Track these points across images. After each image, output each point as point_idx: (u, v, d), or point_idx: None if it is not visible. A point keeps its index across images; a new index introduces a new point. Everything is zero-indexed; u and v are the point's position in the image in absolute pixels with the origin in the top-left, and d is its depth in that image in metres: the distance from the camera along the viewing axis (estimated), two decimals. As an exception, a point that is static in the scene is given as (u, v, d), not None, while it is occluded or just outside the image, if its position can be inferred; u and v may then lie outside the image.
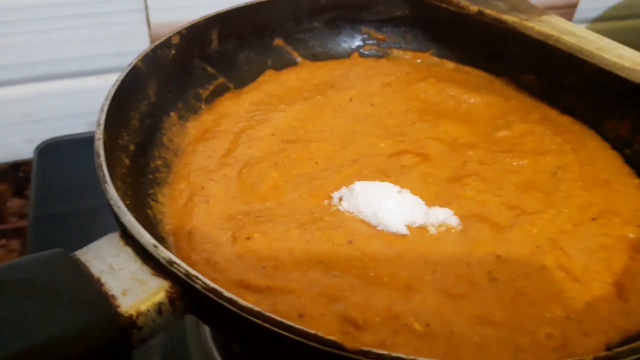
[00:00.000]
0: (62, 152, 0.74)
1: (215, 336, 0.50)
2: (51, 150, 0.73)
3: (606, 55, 0.55)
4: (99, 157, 0.40)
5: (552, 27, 0.59)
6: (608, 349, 0.37)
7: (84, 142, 0.74)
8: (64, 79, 0.77)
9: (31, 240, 0.62)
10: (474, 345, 0.37)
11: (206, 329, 0.50)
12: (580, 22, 1.00)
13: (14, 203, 0.76)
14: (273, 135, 0.55)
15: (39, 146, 0.73)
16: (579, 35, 0.58)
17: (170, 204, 0.48)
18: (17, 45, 0.74)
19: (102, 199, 0.58)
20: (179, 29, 0.56)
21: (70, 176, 0.70)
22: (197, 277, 0.31)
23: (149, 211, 0.45)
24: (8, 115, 0.77)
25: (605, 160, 0.55)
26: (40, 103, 0.78)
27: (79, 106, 0.79)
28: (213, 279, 0.36)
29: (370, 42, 0.70)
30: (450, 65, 0.69)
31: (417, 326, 0.38)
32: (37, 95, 0.77)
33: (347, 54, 0.69)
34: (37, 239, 0.62)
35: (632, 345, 0.31)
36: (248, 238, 0.43)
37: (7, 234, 0.74)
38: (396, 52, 0.70)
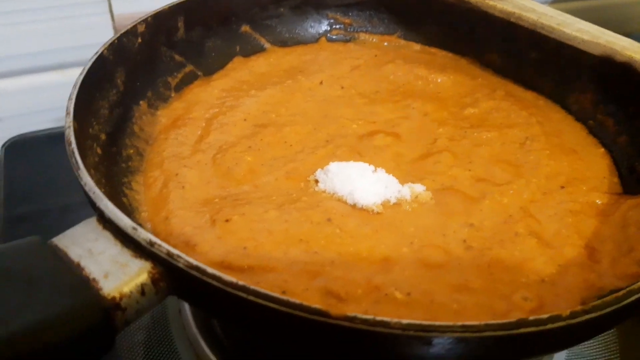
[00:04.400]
0: (30, 149, 0.72)
1: (199, 323, 0.50)
2: (18, 147, 0.71)
3: (566, 30, 0.57)
4: (70, 144, 0.39)
5: (514, 5, 0.61)
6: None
7: (51, 138, 0.73)
8: (26, 75, 0.75)
9: (3, 242, 0.61)
10: (454, 312, 0.38)
11: (189, 316, 0.50)
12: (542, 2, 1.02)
13: (-19, 204, 0.74)
14: (245, 120, 0.55)
15: (5, 144, 0.71)
16: (539, 11, 0.59)
17: (145, 191, 0.47)
18: (-24, 42, 0.72)
19: (73, 195, 0.57)
20: (144, 17, 0.55)
21: (40, 173, 0.68)
22: (179, 256, 0.31)
23: (124, 199, 0.45)
24: (-30, 114, 0.75)
25: (570, 131, 0.57)
26: (3, 100, 0.76)
27: (43, 102, 0.77)
28: (194, 262, 0.36)
29: (337, 26, 0.70)
30: (417, 47, 0.70)
31: (398, 295, 0.39)
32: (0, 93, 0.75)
33: (315, 39, 0.69)
34: (8, 241, 0.60)
35: (607, 298, 0.32)
36: (227, 220, 0.43)
37: (-25, 236, 0.72)
38: (363, 36, 0.70)
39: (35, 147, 0.72)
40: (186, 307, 0.52)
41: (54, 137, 0.73)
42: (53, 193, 0.66)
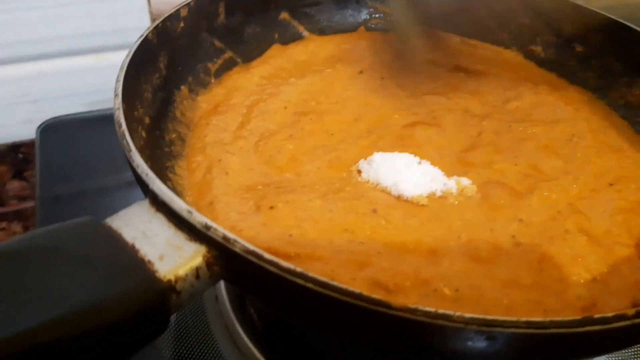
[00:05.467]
0: (65, 132, 0.72)
1: (236, 310, 0.49)
2: (53, 129, 0.71)
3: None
4: (120, 126, 0.39)
5: (561, -3, 0.60)
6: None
7: (86, 121, 0.73)
8: (62, 58, 0.75)
9: (40, 222, 0.61)
10: (504, 308, 0.38)
11: (227, 303, 0.50)
12: None
13: (14, 185, 0.74)
14: (286, 108, 0.55)
15: (40, 126, 0.71)
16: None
17: (188, 176, 0.47)
18: (13, 23, 0.72)
19: (108, 178, 0.57)
20: (187, 1, 0.55)
21: (75, 156, 0.69)
22: (235, 240, 0.31)
23: (168, 183, 0.45)
24: (5, 95, 0.75)
25: (617, 128, 0.55)
26: (37, 83, 0.76)
27: (77, 85, 0.77)
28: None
29: (377, 15, 0.69)
30: (457, 39, 0.68)
31: (447, 291, 0.38)
32: (34, 75, 0.75)
33: (354, 28, 0.68)
34: (46, 221, 0.60)
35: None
36: (271, 207, 0.43)
37: (8, 217, 0.73)
38: (402, 26, 0.69)
39: (70, 130, 0.73)
40: (223, 293, 0.52)
41: (88, 121, 0.73)
42: (88, 175, 0.66)
